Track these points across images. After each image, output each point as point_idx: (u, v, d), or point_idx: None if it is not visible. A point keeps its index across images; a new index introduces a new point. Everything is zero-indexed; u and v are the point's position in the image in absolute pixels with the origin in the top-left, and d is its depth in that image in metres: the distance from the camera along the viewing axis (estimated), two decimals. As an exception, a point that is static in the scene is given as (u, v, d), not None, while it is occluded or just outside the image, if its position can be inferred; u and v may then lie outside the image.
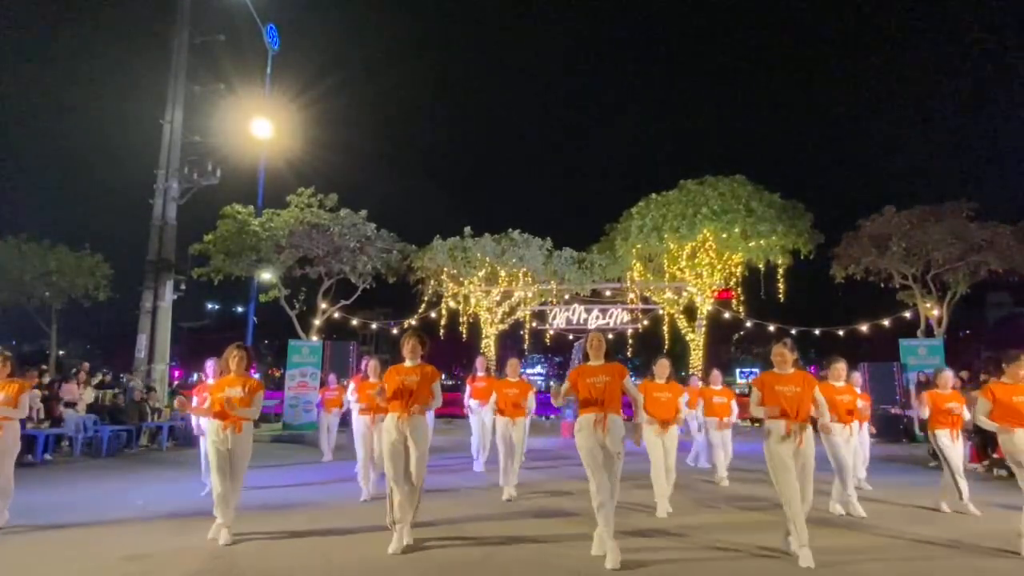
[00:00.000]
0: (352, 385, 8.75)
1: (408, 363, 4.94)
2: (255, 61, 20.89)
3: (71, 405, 10.73)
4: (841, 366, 6.44)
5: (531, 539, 5.04)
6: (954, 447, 6.24)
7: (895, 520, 5.84)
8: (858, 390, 6.96)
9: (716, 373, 8.78)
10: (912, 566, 4.45)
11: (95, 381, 12.47)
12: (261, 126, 18.96)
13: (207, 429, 5.17)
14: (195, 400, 7.22)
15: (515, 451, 7.04)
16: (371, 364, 7.17)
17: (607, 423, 4.41)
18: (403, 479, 4.72)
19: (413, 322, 18.67)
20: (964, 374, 10.92)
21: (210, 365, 7.33)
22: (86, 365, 12.63)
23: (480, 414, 8.75)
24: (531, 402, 7.49)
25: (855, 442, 6.45)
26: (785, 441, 4.44)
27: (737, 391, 14.46)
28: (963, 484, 6.11)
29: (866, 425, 7.40)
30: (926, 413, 6.41)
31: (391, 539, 4.63)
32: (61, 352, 21.52)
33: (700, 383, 9.66)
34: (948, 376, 6.53)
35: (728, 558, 4.54)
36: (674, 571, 4.26)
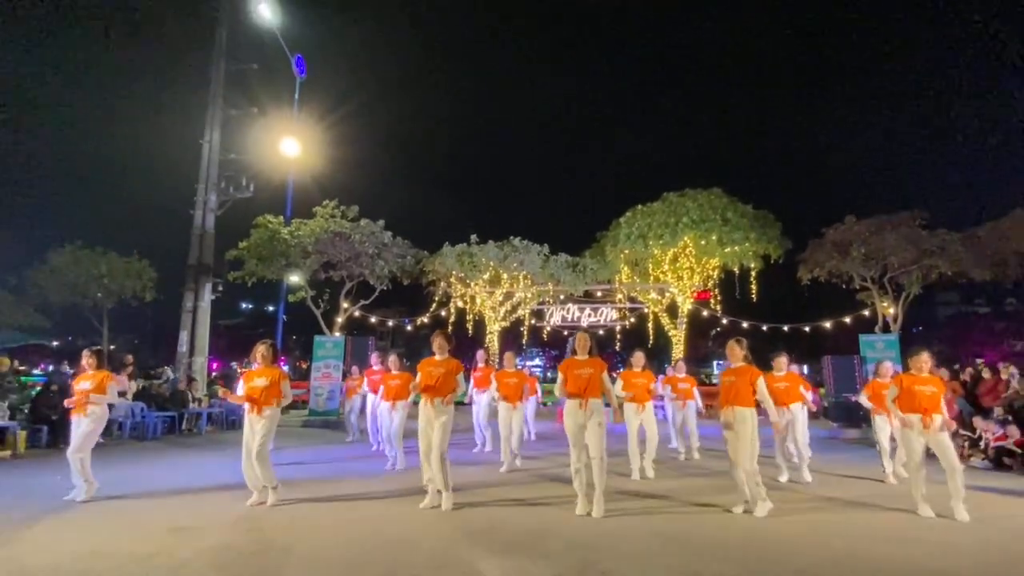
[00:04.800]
0: (365, 378, 8.91)
1: (437, 357, 5.26)
2: (285, 87, 21.03)
3: (121, 394, 10.75)
4: (782, 359, 6.79)
5: (533, 502, 5.38)
6: (885, 430, 6.63)
7: (817, 486, 6.31)
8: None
9: (681, 364, 9.29)
10: (816, 516, 5.01)
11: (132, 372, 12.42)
12: (290, 145, 19.08)
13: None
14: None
15: (514, 432, 7.23)
16: (392, 359, 7.41)
17: (588, 405, 4.87)
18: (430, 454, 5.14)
19: (426, 319, 18.72)
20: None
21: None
22: (129, 358, 12.61)
23: (479, 401, 8.80)
24: (536, 391, 7.56)
25: (799, 421, 6.72)
26: (725, 419, 5.01)
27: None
28: (886, 461, 6.60)
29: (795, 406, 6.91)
30: (864, 399, 6.82)
31: (425, 498, 5.12)
32: (112, 347, 21.54)
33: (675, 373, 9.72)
34: (887, 367, 6.80)
35: (681, 510, 5.17)
36: (638, 523, 4.73)
